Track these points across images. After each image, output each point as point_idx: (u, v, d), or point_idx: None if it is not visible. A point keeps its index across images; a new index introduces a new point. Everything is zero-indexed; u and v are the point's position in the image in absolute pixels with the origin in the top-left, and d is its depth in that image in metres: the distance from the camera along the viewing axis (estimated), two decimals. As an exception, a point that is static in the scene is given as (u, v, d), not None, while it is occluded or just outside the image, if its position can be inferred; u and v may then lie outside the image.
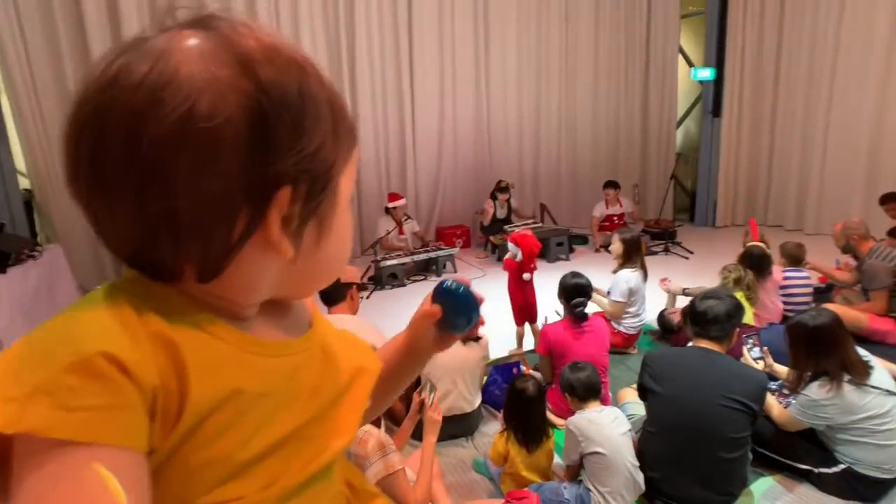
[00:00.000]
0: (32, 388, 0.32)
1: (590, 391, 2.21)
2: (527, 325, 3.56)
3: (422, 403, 1.99)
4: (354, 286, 2.72)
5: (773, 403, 2.34)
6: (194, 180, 0.38)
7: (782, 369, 2.58)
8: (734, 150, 7.24)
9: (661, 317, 3.78)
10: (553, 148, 7.22)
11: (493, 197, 6.14)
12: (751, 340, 2.77)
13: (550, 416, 2.54)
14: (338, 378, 0.53)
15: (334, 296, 2.64)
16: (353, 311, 2.71)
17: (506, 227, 5.86)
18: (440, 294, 0.64)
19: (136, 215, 0.39)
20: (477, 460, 2.51)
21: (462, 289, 0.64)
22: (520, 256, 3.36)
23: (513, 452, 2.21)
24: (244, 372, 0.43)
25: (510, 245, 3.42)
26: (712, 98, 7.08)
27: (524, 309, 3.52)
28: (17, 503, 0.32)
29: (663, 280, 3.86)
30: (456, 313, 0.65)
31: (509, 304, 3.55)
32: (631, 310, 3.49)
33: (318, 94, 0.44)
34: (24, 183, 4.68)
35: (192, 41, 0.40)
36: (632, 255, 3.51)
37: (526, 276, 3.38)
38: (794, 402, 2.27)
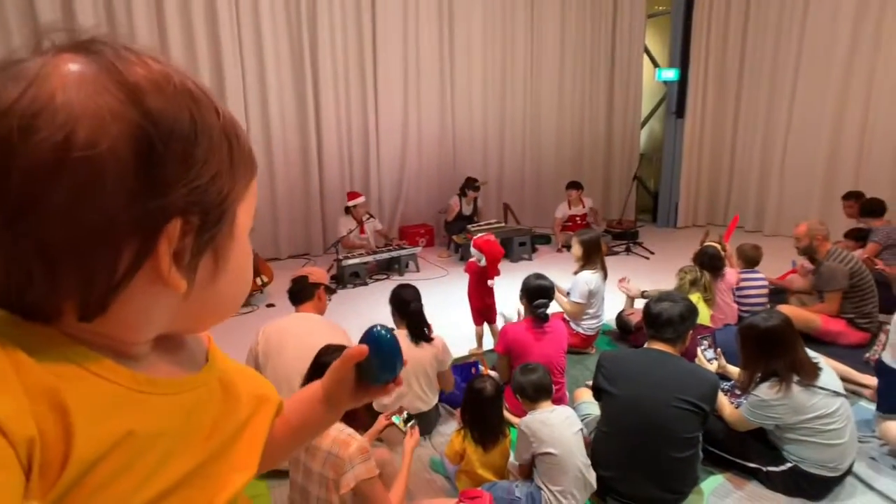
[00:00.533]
0: None
1: (540, 392, 2.19)
2: (485, 325, 3.54)
3: (391, 425, 2.09)
4: (322, 287, 2.72)
5: (724, 403, 2.36)
6: (72, 213, 0.36)
7: (734, 370, 2.61)
8: (696, 151, 7.39)
9: (620, 317, 3.80)
10: (517, 148, 7.23)
11: (463, 193, 6.10)
12: (706, 342, 2.80)
13: (507, 415, 2.51)
14: (237, 412, 0.52)
15: (301, 295, 2.66)
16: (320, 312, 2.69)
17: (469, 226, 5.82)
18: (369, 340, 0.62)
19: (6, 250, 0.36)
20: (434, 459, 2.47)
21: (391, 337, 0.64)
22: (483, 262, 3.34)
23: (469, 451, 2.20)
24: (136, 413, 0.40)
25: (473, 251, 3.40)
26: (676, 99, 7.20)
27: (483, 311, 3.51)
28: None
29: (622, 280, 3.89)
30: (381, 361, 0.63)
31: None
32: (590, 311, 3.49)
33: (212, 124, 0.42)
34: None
35: (72, 66, 0.37)
36: (592, 257, 3.51)
37: (490, 282, 3.37)
38: (744, 402, 2.29)
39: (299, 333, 2.43)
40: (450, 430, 2.71)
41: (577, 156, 7.64)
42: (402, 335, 2.66)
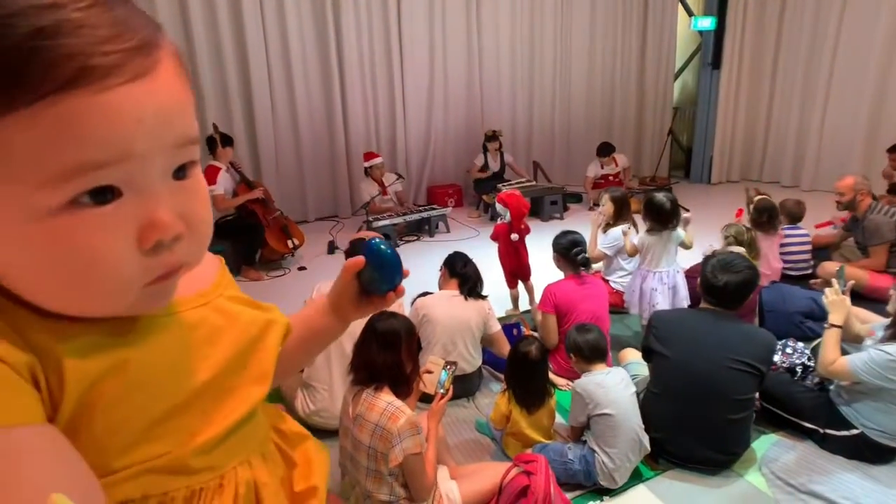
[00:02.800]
0: None
1: (596, 353, 2.16)
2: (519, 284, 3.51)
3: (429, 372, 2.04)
4: None
5: (830, 346, 2.12)
6: None
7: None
8: (732, 103, 7.07)
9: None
10: (547, 104, 6.99)
11: (484, 149, 5.96)
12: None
13: (552, 376, 2.50)
14: (247, 329, 0.52)
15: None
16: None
17: (499, 185, 5.70)
18: (366, 251, 0.65)
19: None
20: (479, 421, 2.48)
21: (389, 249, 0.66)
22: (508, 217, 3.28)
23: (514, 413, 2.20)
24: (125, 344, 0.39)
25: (498, 206, 3.34)
26: (712, 49, 6.84)
27: (516, 272, 3.47)
28: None
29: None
30: (379, 271, 0.66)
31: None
32: (627, 266, 3.45)
33: None
34: None
35: None
36: (623, 213, 3.48)
37: (514, 236, 3.31)
38: (861, 354, 2.07)
39: None
40: (494, 391, 2.73)
41: (608, 111, 7.37)
42: (447, 294, 2.65)
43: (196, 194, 0.38)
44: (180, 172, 0.36)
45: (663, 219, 2.95)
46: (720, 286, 2.10)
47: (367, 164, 5.23)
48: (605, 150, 6.08)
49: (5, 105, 0.28)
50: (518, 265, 3.43)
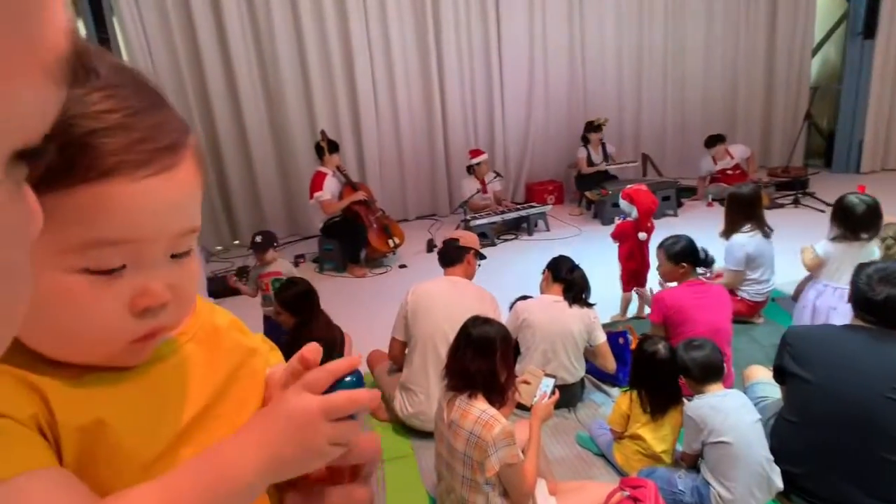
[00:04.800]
0: None
1: (709, 372, 1.93)
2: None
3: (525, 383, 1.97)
4: (472, 251, 2.64)
5: None
6: None
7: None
8: (890, 78, 6.06)
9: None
10: (657, 92, 6.50)
11: (585, 140, 5.66)
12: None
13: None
14: (229, 356, 0.51)
15: (451, 258, 2.61)
16: (469, 276, 2.63)
17: (604, 183, 5.39)
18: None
19: None
20: (581, 434, 2.34)
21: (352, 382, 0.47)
22: (634, 214, 3.07)
23: (636, 415, 2.07)
24: (104, 398, 0.40)
25: (623, 203, 3.16)
26: (864, 15, 5.90)
27: (637, 273, 3.25)
28: None
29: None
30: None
31: (609, 266, 3.29)
32: (753, 276, 3.06)
33: None
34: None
35: None
36: (743, 217, 3.04)
37: (642, 235, 3.12)
38: None
39: (447, 297, 2.42)
40: (596, 404, 2.56)
41: (730, 93, 6.68)
42: (549, 299, 2.54)
43: (188, 272, 0.42)
44: (178, 255, 0.41)
45: (854, 225, 2.54)
46: (880, 301, 1.75)
47: (471, 162, 5.19)
48: (713, 141, 5.49)
49: (47, 184, 0.32)
50: (641, 267, 3.23)
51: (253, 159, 5.28)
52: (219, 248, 5.28)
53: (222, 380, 0.48)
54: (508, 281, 3.58)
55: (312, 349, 0.46)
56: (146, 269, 0.38)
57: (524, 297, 2.69)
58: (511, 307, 2.67)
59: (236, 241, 5.31)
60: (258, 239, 3.09)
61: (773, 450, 1.82)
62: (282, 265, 3.13)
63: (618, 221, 3.32)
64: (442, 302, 2.40)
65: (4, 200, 0.19)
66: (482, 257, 2.78)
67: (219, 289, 4.18)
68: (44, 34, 0.17)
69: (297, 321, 2.47)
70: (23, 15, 0.16)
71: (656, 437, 2.05)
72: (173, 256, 0.40)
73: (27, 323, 0.32)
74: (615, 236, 3.28)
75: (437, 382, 2.28)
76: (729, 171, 5.51)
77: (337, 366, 0.44)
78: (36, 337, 0.38)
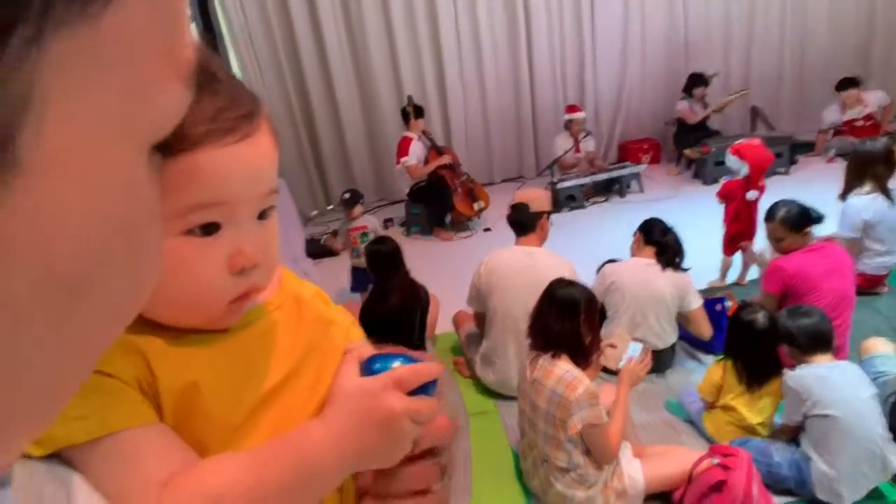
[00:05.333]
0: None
1: (817, 341, 1.80)
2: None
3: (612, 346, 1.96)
4: (545, 215, 2.51)
5: None
6: None
7: None
8: None
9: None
10: (773, 40, 5.83)
11: (688, 94, 5.21)
12: None
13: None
14: (313, 326, 0.53)
15: (523, 225, 2.49)
16: (542, 241, 2.53)
17: (706, 140, 4.99)
18: (366, 373, 0.45)
19: None
20: (670, 401, 2.29)
21: (379, 368, 0.45)
22: (744, 172, 2.84)
23: (730, 385, 1.99)
24: (201, 364, 0.44)
25: (731, 158, 2.92)
26: None
27: (740, 236, 3.03)
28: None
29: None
30: None
31: (707, 230, 3.09)
32: (875, 246, 2.73)
33: None
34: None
35: None
36: (872, 172, 2.69)
37: (751, 194, 2.88)
38: None
39: (522, 269, 2.36)
40: (688, 370, 2.48)
41: (864, 29, 5.83)
42: (641, 262, 2.45)
43: (271, 233, 0.46)
44: (263, 215, 0.45)
45: None
46: None
47: (567, 117, 4.98)
48: (845, 84, 4.80)
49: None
50: (747, 229, 3.01)
51: (344, 128, 5.47)
52: (314, 212, 5.60)
53: (303, 349, 0.50)
54: (597, 245, 3.48)
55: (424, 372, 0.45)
56: (238, 230, 0.42)
57: (613, 261, 2.62)
58: (598, 270, 2.61)
59: (330, 206, 5.60)
60: (346, 195, 3.38)
61: (892, 429, 1.67)
62: (368, 220, 3.40)
63: (724, 180, 3.09)
64: (517, 275, 2.35)
65: (147, 186, 0.21)
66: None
67: (315, 250, 4.46)
68: (182, 45, 0.20)
69: (380, 278, 2.54)
70: (171, 31, 0.19)
71: (752, 408, 1.95)
72: (259, 217, 0.44)
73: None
74: (721, 196, 3.06)
75: (517, 355, 2.31)
76: (859, 122, 4.86)
77: (428, 371, 0.44)
78: (149, 303, 0.41)
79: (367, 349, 0.49)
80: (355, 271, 3.27)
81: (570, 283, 1.84)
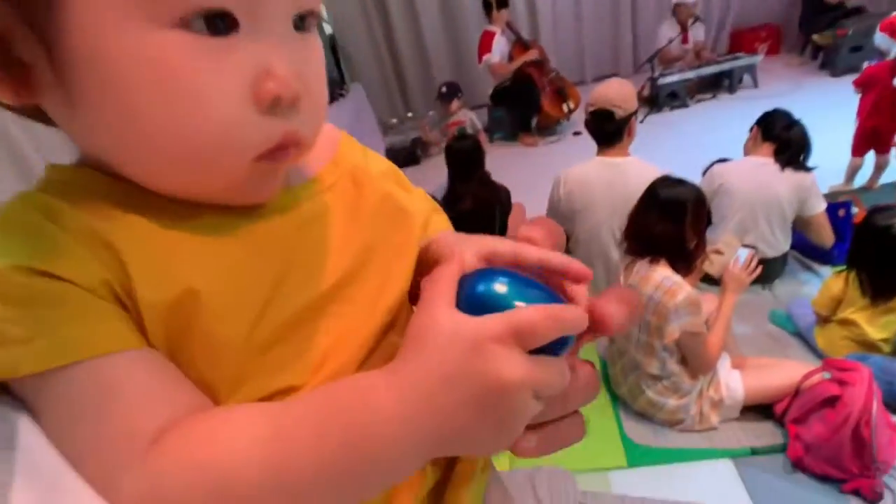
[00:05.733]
0: None
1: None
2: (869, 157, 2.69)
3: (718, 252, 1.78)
4: (633, 116, 2.07)
5: None
6: None
7: None
8: None
9: None
10: None
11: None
12: None
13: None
14: (379, 216, 0.38)
15: (607, 134, 2.10)
16: (628, 148, 2.16)
17: (842, 21, 4.22)
18: (465, 305, 0.29)
19: None
20: (776, 312, 2.13)
21: (489, 301, 0.28)
22: (895, 52, 2.42)
23: (851, 298, 1.81)
24: (204, 263, 0.30)
25: (880, 36, 2.48)
26: None
27: (875, 134, 2.62)
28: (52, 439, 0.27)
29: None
30: None
31: (833, 130, 2.68)
32: None
33: None
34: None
35: None
36: None
37: None
38: None
39: (606, 186, 2.11)
40: (799, 282, 2.28)
41: None
42: (756, 162, 2.20)
43: (315, 53, 0.32)
44: (301, 25, 0.30)
45: None
46: None
47: (675, 1, 4.39)
48: None
49: None
50: (885, 125, 2.60)
51: (421, 24, 5.20)
52: (394, 120, 5.53)
53: (362, 247, 0.36)
54: (701, 147, 3.16)
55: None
56: (265, 37, 0.28)
57: (723, 160, 2.37)
58: (705, 172, 2.38)
59: (410, 114, 5.50)
60: (443, 89, 3.26)
61: None
62: (466, 114, 3.29)
63: (866, 65, 2.63)
64: (601, 195, 2.11)
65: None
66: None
67: (396, 160, 4.45)
68: None
69: (456, 178, 2.45)
70: None
71: (874, 323, 1.77)
72: (296, 28, 0.30)
73: (113, 127, 0.27)
74: (860, 83, 2.62)
75: (605, 282, 2.20)
76: None
77: (572, 319, 0.27)
78: (127, 148, 0.28)
79: (469, 257, 0.31)
80: None
81: (678, 182, 1.68)
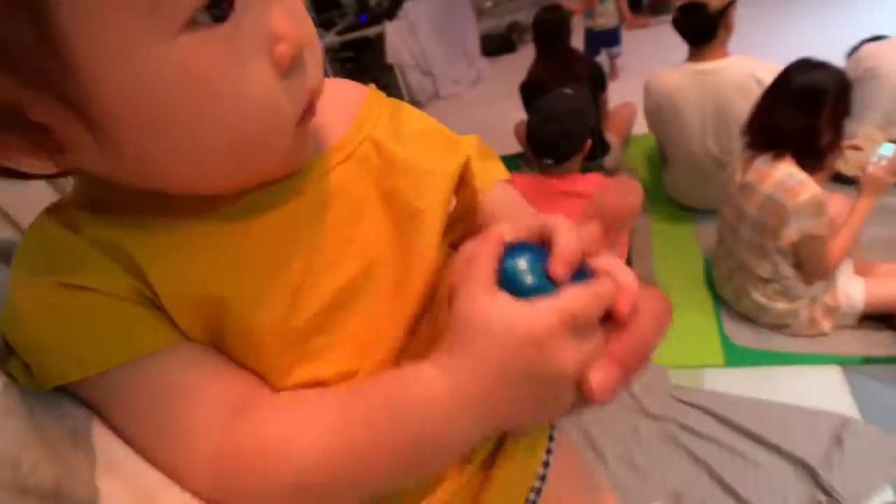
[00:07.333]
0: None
1: None
2: None
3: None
4: (728, 7, 1.79)
5: None
6: None
7: None
8: None
9: None
10: None
11: None
12: None
13: None
14: (409, 185, 0.34)
15: (697, 33, 1.84)
16: (726, 46, 1.88)
17: None
18: (506, 285, 0.28)
19: None
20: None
21: (532, 282, 0.27)
22: None
23: None
24: (218, 268, 0.30)
25: None
26: None
27: None
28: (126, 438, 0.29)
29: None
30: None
31: None
32: None
33: None
34: None
35: None
36: None
37: None
38: None
39: (699, 97, 1.89)
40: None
41: None
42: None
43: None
44: None
45: None
46: None
47: None
48: None
49: None
50: None
51: None
52: (488, 3, 5.17)
53: (387, 220, 0.34)
54: (854, 24, 2.69)
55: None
56: (254, 3, 0.27)
57: (876, 38, 2.02)
58: (851, 53, 2.05)
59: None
60: None
61: None
62: None
63: None
64: (691, 107, 1.90)
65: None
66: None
67: (493, 47, 4.23)
68: None
69: (538, 51, 2.43)
70: None
71: None
72: None
73: (162, 148, 0.26)
74: None
75: (705, 198, 2.05)
76: None
77: (625, 292, 0.28)
78: (178, 160, 0.28)
79: (507, 230, 0.29)
80: (590, 34, 3.26)
81: (817, 65, 1.47)
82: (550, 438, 0.40)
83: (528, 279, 0.27)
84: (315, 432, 0.28)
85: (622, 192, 0.33)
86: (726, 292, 1.76)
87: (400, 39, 3.62)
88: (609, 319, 0.28)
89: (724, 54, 1.87)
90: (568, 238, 0.28)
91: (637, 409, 1.50)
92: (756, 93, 1.66)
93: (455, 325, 0.27)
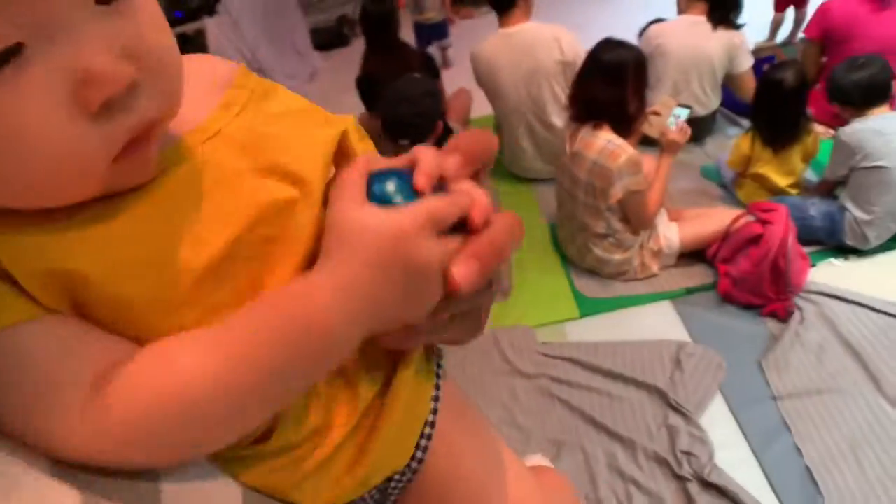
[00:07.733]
0: None
1: (873, 94, 1.72)
2: (789, 12, 2.76)
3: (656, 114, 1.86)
4: None
5: None
6: None
7: None
8: None
9: None
10: None
11: None
12: None
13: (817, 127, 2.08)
14: (285, 154, 0.33)
15: (501, 1, 2.08)
16: (529, 14, 2.15)
17: None
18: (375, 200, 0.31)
19: None
20: (705, 166, 2.29)
21: (399, 201, 0.30)
22: None
23: (757, 153, 1.97)
24: (86, 247, 0.28)
25: None
26: None
27: None
28: None
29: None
30: None
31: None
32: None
33: None
34: None
35: None
36: None
37: None
38: None
39: (511, 63, 2.10)
40: (728, 137, 2.41)
41: None
42: (689, 21, 2.22)
43: (140, 15, 0.26)
44: None
45: None
46: None
47: None
48: None
49: None
50: None
51: None
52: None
53: (259, 196, 0.32)
54: (638, 5, 3.12)
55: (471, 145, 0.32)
56: (65, 37, 0.23)
57: (659, 20, 2.36)
58: (641, 33, 2.38)
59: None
60: None
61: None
62: None
63: None
64: (507, 64, 2.10)
65: None
66: None
67: (324, 41, 4.12)
68: None
69: (367, 44, 2.41)
70: None
71: (780, 171, 1.96)
72: (99, 2, 0.24)
73: None
74: None
75: (533, 147, 2.27)
76: None
77: (474, 203, 0.31)
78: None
79: (375, 159, 0.32)
80: (418, 27, 3.22)
81: (619, 44, 1.68)
82: (437, 387, 0.42)
83: (397, 198, 0.29)
84: (195, 347, 0.27)
85: (478, 135, 0.34)
86: (571, 252, 1.93)
87: (223, 35, 3.36)
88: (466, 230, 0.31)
89: (527, 20, 2.14)
90: (430, 158, 0.31)
91: (512, 372, 1.58)
92: (558, 53, 1.93)
93: (329, 232, 0.29)
